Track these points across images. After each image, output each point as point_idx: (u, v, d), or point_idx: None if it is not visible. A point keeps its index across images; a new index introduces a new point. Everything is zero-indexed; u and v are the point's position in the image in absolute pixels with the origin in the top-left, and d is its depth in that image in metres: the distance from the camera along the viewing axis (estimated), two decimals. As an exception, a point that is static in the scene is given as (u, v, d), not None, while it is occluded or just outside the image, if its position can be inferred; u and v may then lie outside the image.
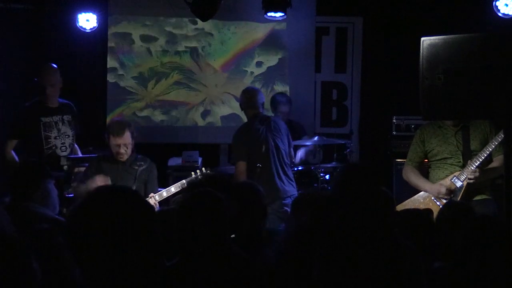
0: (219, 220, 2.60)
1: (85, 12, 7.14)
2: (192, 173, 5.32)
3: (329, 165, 6.69)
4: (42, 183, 3.68)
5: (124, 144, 5.10)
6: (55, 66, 5.70)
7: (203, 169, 5.35)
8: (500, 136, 4.70)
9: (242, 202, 3.21)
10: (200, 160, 6.88)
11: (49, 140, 5.46)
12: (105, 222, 1.68)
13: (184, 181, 5.19)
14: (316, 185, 6.41)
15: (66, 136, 5.56)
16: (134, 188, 5.02)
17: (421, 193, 5.01)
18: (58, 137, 5.51)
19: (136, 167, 5.15)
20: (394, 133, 7.00)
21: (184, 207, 2.67)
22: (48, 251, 2.29)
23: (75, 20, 7.15)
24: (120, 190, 1.82)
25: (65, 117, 5.59)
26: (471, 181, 4.77)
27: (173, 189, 5.15)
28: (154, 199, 5.05)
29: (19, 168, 3.86)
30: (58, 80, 5.60)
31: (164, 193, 5.14)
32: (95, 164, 5.25)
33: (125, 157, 5.14)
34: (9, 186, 3.70)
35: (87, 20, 7.16)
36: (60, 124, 5.54)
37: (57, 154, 5.46)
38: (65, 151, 5.52)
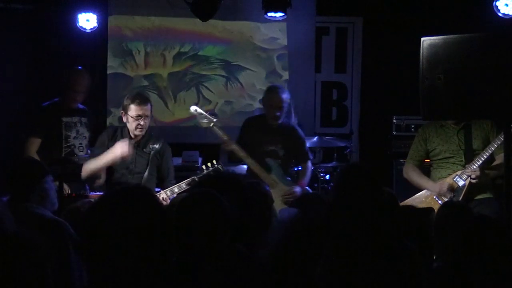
0: (217, 221, 2.60)
1: (85, 12, 7.13)
2: (203, 167, 5.24)
3: (329, 165, 6.69)
4: (39, 183, 3.67)
5: (146, 115, 5.08)
6: (86, 71, 5.74)
7: (214, 162, 5.25)
8: (502, 136, 4.70)
9: (247, 202, 3.21)
10: (200, 160, 6.88)
11: (69, 139, 5.56)
12: (117, 221, 1.69)
13: (195, 178, 5.08)
14: (316, 185, 6.42)
15: (83, 137, 5.64)
16: (146, 172, 5.07)
17: (423, 191, 5.00)
18: (76, 138, 5.59)
19: (149, 150, 5.13)
20: (394, 133, 7.00)
21: (181, 207, 2.66)
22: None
23: (75, 20, 7.14)
24: (133, 191, 1.83)
25: (82, 118, 5.68)
26: (474, 180, 4.77)
27: (184, 185, 5.05)
28: (165, 194, 5.01)
29: (15, 168, 3.83)
30: (88, 86, 5.67)
31: (176, 188, 5.04)
32: (111, 134, 5.20)
33: (143, 132, 5.10)
34: (6, 186, 3.69)
35: (87, 20, 7.16)
36: (79, 125, 5.62)
37: (75, 153, 5.54)
38: (82, 151, 5.60)
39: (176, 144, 7.36)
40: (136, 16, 7.65)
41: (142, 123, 5.07)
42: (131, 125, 5.10)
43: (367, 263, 2.44)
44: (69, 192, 5.10)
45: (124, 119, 5.17)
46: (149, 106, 5.14)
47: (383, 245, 2.56)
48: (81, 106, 5.79)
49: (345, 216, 2.64)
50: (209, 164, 5.25)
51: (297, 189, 5.37)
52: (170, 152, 5.32)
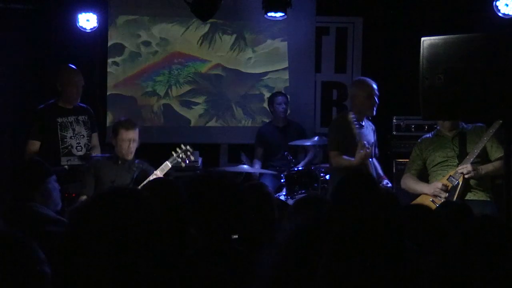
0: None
1: (85, 12, 7.14)
2: (173, 152, 5.46)
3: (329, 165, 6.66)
4: (43, 183, 3.68)
5: (134, 139, 5.28)
6: (77, 70, 5.82)
7: (182, 146, 5.50)
8: (492, 131, 4.72)
9: (248, 203, 3.21)
10: (200, 160, 6.88)
11: (65, 140, 5.63)
12: (107, 223, 1.68)
13: (167, 162, 5.34)
14: (316, 185, 6.41)
15: (81, 136, 5.70)
16: (131, 186, 5.17)
17: (420, 196, 5.00)
18: (73, 137, 5.66)
19: (135, 169, 5.29)
20: (394, 133, 7.00)
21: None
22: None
23: (75, 20, 7.15)
24: (123, 192, 1.82)
25: (80, 117, 5.74)
26: (467, 175, 4.76)
27: (158, 172, 5.26)
28: (155, 175, 5.18)
29: (20, 167, 3.85)
30: (82, 83, 5.71)
31: (151, 177, 5.14)
32: (93, 166, 5.35)
33: (132, 155, 5.29)
34: (10, 186, 3.70)
35: (87, 20, 7.16)
36: (75, 124, 5.68)
37: (73, 153, 5.59)
38: (80, 150, 5.67)
39: (176, 144, 7.38)
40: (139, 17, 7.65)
41: (131, 146, 5.27)
42: (121, 148, 5.27)
43: (367, 263, 2.44)
44: (70, 192, 5.14)
45: (114, 143, 5.35)
46: (137, 130, 5.33)
47: (383, 245, 2.56)
48: (81, 104, 5.83)
49: (345, 216, 2.64)
50: (177, 149, 5.48)
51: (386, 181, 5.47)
52: (152, 169, 5.43)
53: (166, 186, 2.77)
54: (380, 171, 5.63)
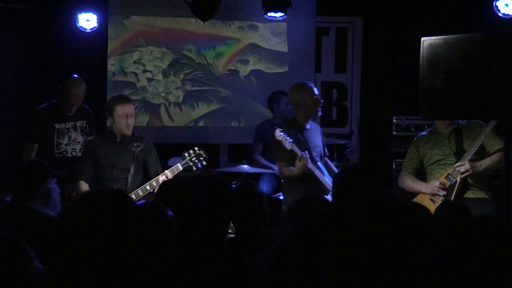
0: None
1: (85, 12, 7.14)
2: (185, 154, 5.27)
3: (329, 165, 6.65)
4: (43, 183, 3.68)
5: (131, 114, 5.14)
6: (82, 80, 5.80)
7: (196, 148, 5.29)
8: (489, 129, 4.72)
9: (239, 204, 3.21)
10: (200, 160, 6.87)
11: (60, 146, 5.67)
12: (95, 225, 1.68)
13: (178, 164, 5.20)
14: (316, 185, 6.39)
15: (77, 143, 5.74)
16: (132, 168, 5.11)
17: (418, 195, 5.00)
18: (68, 144, 5.67)
19: (134, 148, 5.14)
20: (394, 133, 7.00)
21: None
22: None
23: (75, 20, 7.15)
24: (112, 194, 1.82)
25: (78, 123, 5.76)
26: (465, 174, 4.76)
27: (169, 173, 5.13)
28: (165, 176, 5.08)
29: (20, 167, 3.85)
30: (83, 95, 5.71)
31: (161, 178, 5.10)
32: (91, 149, 5.25)
33: (131, 130, 5.14)
34: (10, 186, 3.70)
35: (87, 20, 7.17)
36: (72, 130, 5.71)
37: (67, 157, 5.62)
38: (75, 156, 5.68)
39: (176, 144, 7.38)
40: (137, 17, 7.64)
41: (129, 121, 5.11)
42: (119, 125, 5.11)
43: (369, 263, 2.44)
44: (69, 192, 5.14)
45: (109, 122, 5.22)
46: (132, 105, 5.20)
47: (384, 246, 2.55)
48: (81, 107, 5.84)
49: (347, 216, 2.64)
50: (191, 151, 5.27)
51: None
52: (154, 149, 5.36)
53: (181, 188, 2.72)
54: (334, 169, 5.63)
